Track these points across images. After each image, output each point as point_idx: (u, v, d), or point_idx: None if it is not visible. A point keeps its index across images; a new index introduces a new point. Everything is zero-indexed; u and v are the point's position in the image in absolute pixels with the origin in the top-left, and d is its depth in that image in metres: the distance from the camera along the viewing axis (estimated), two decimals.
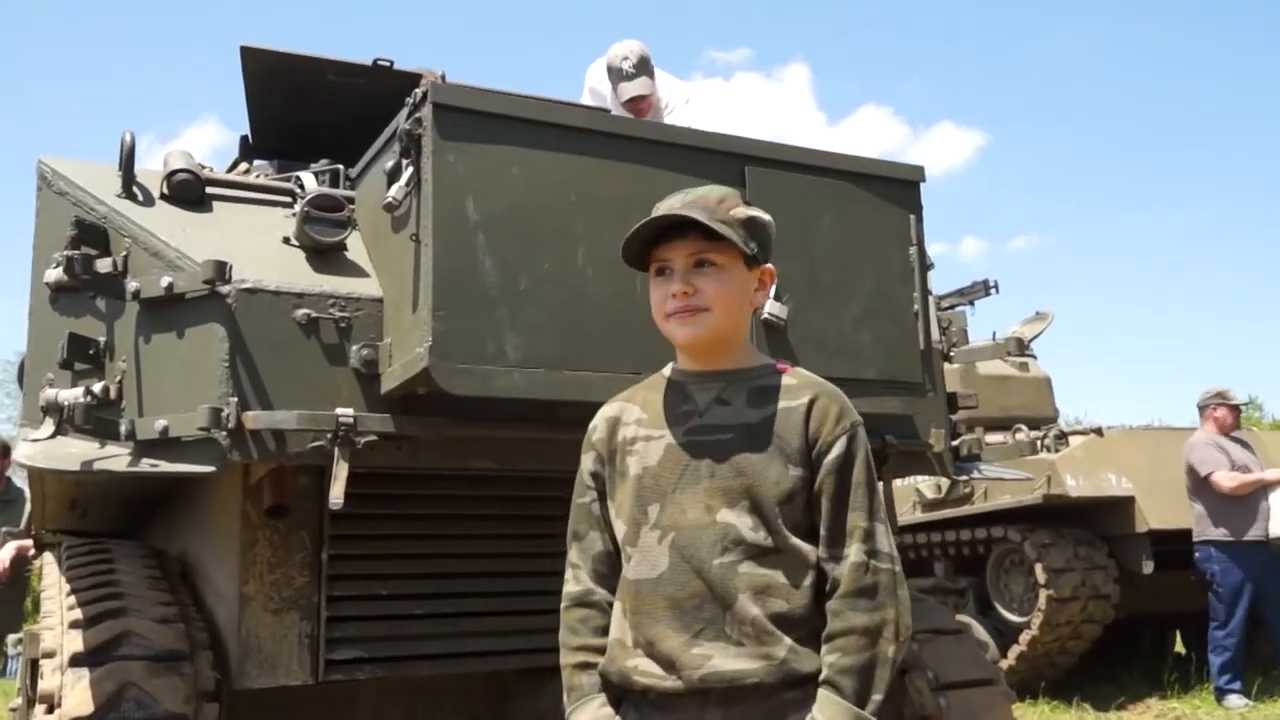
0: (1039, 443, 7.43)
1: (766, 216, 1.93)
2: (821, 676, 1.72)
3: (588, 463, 1.93)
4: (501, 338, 2.49)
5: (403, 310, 2.61)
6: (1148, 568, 7.23)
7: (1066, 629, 7.30)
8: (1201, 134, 57.94)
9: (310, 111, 3.84)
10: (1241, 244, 53.80)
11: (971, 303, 9.36)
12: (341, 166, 3.30)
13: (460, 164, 2.51)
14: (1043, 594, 7.16)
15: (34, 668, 3.47)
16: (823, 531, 1.78)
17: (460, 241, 2.49)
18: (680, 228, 1.83)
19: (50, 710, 2.63)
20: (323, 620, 2.87)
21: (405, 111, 2.58)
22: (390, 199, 2.53)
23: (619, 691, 1.82)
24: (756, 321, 2.71)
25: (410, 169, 2.54)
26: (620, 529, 1.87)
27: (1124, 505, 7.24)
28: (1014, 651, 7.44)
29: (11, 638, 7.19)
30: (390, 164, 2.62)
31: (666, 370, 1.93)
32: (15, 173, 48.12)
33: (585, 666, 1.85)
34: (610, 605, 1.86)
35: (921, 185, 3.09)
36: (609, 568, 1.88)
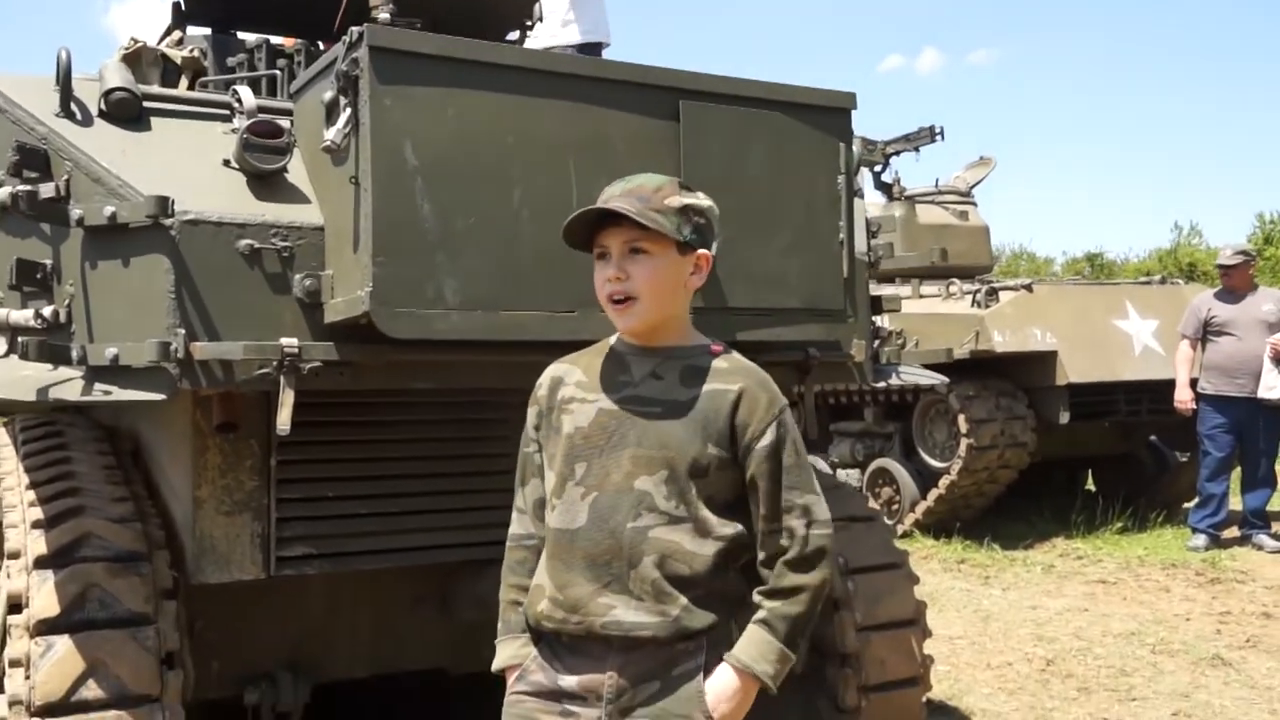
0: (973, 297, 7.69)
1: (706, 202, 2.06)
2: (757, 617, 1.96)
3: (531, 417, 2.13)
4: (440, 281, 2.58)
5: (343, 242, 2.68)
6: (1064, 418, 7.62)
7: (984, 474, 7.74)
8: None
9: None
10: (1202, 72, 53.26)
11: (917, 149, 9.45)
12: (278, 73, 3.28)
13: (398, 108, 2.54)
14: (964, 442, 7.55)
15: None
16: (762, 509, 1.99)
17: (399, 187, 2.54)
18: (616, 215, 1.95)
19: (18, 610, 2.81)
20: (273, 520, 3.04)
21: (342, 50, 2.58)
22: (329, 142, 2.57)
23: (536, 631, 2.06)
24: None
25: (348, 109, 2.56)
26: (550, 480, 2.07)
27: (1047, 360, 7.58)
28: (933, 494, 7.91)
29: None
30: (328, 97, 2.64)
31: (612, 339, 2.10)
32: None
33: (516, 604, 2.10)
34: None
35: (853, 112, 3.15)
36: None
